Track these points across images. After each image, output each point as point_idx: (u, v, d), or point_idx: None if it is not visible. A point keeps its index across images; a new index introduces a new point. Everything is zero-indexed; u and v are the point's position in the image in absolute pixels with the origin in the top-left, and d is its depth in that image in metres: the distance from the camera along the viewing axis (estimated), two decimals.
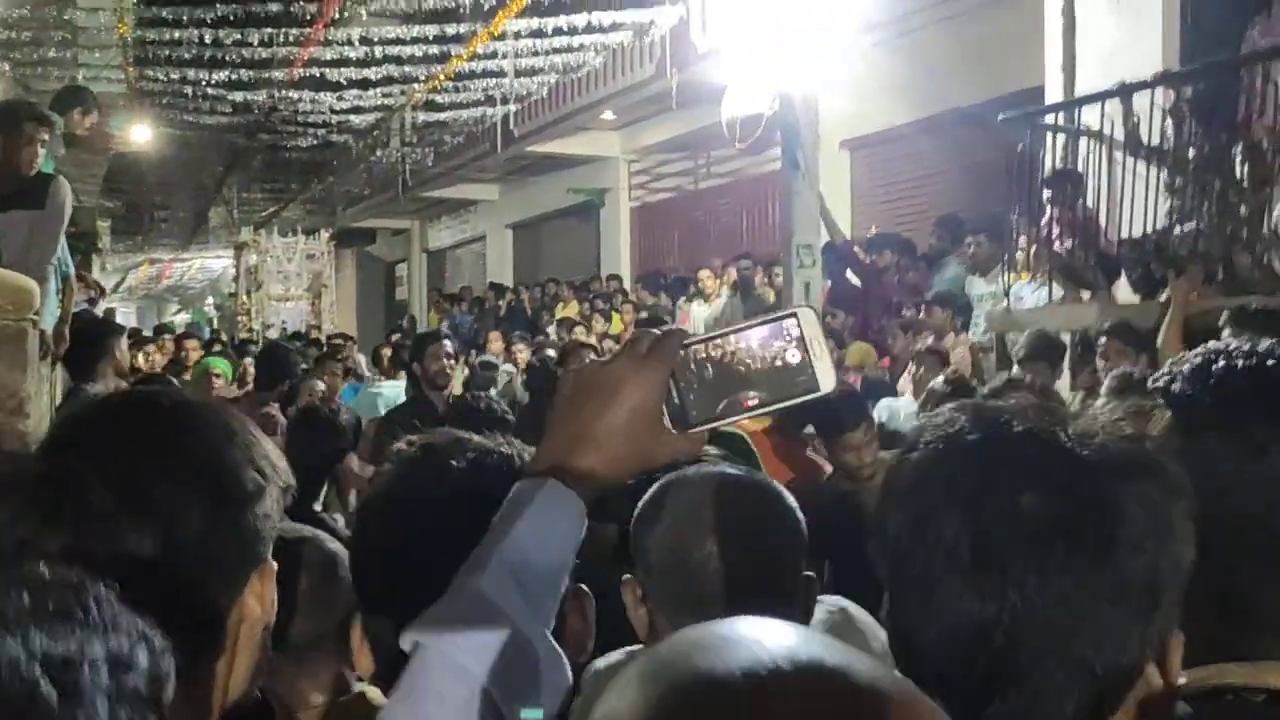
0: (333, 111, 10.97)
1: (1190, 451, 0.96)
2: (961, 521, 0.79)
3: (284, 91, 10.30)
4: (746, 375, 0.94)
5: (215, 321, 24.07)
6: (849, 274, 8.88)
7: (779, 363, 0.94)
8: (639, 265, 15.04)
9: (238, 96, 10.05)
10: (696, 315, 10.86)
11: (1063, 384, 5.54)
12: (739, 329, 0.96)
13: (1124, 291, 5.79)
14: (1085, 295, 5.81)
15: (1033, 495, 0.77)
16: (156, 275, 28.69)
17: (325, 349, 11.08)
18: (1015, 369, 5.45)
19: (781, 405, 0.96)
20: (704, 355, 0.95)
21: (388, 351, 10.01)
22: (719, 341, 0.95)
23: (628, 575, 1.34)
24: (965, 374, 7.06)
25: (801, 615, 1.35)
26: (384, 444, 4.86)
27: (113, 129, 5.62)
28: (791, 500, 1.37)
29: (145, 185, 15.83)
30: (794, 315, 0.95)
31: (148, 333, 18.46)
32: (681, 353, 0.95)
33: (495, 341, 11.43)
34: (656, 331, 0.97)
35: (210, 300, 27.51)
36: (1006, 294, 6.46)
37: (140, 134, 9.85)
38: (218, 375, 6.34)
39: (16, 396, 3.87)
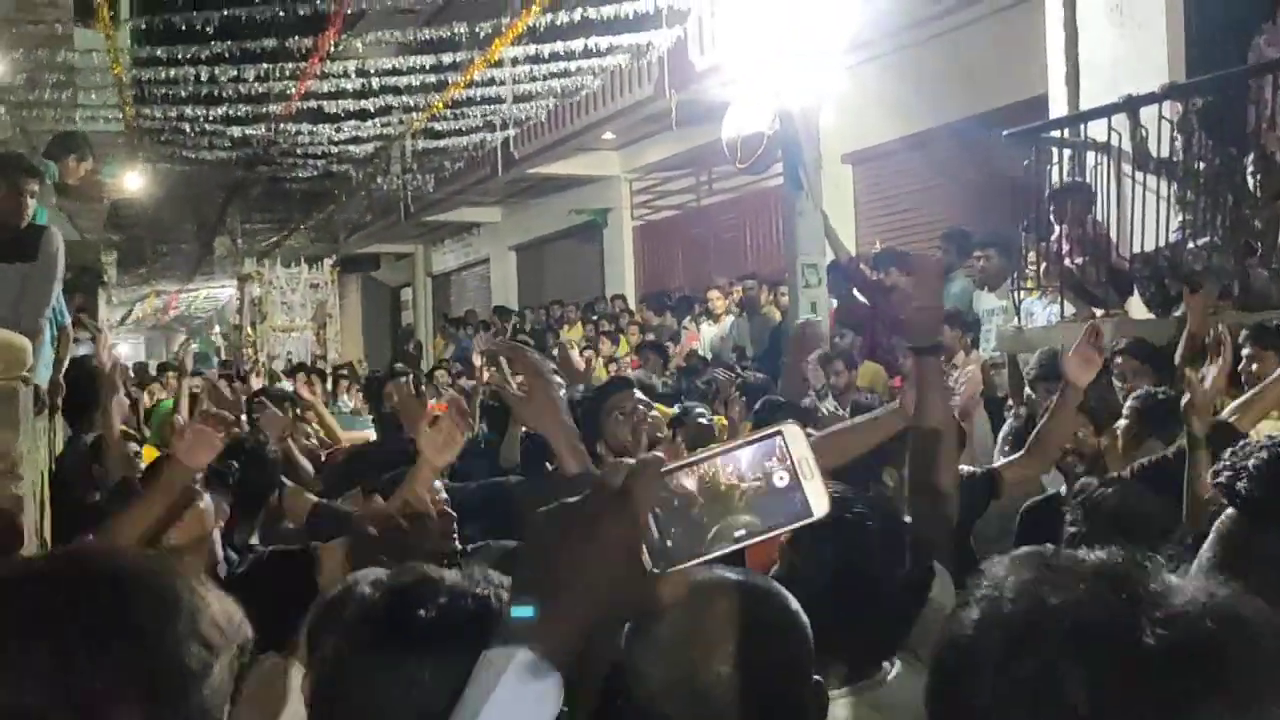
0: (331, 142, 10.93)
1: (1254, 545, 0.97)
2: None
3: (282, 125, 10.26)
4: (733, 502, 0.87)
5: (223, 350, 24.06)
6: (855, 292, 8.77)
7: (767, 486, 0.87)
8: (643, 284, 14.96)
9: (236, 131, 10.02)
10: (705, 335, 10.79)
11: None
12: (721, 451, 0.89)
13: (1137, 308, 5.68)
14: (1098, 312, 5.70)
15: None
16: (163, 306, 28.74)
17: (329, 380, 11.05)
18: (1027, 390, 5.35)
19: (773, 534, 0.88)
20: (685, 483, 0.87)
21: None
22: (700, 466, 0.88)
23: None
24: (976, 393, 6.99)
25: None
26: (349, 478, 4.75)
27: (105, 177, 5.53)
28: (793, 602, 1.28)
29: (148, 219, 15.81)
30: (779, 434, 0.88)
31: (155, 364, 18.50)
32: (660, 482, 0.87)
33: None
34: (630, 462, 0.88)
35: (218, 329, 27.51)
36: (1017, 311, 6.35)
37: (133, 181, 9.81)
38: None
39: (8, 458, 3.78)
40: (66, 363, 5.69)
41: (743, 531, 0.86)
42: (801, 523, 0.87)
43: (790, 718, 1.23)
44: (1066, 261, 5.75)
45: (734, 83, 8.96)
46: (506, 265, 18.52)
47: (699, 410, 5.29)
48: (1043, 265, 6.03)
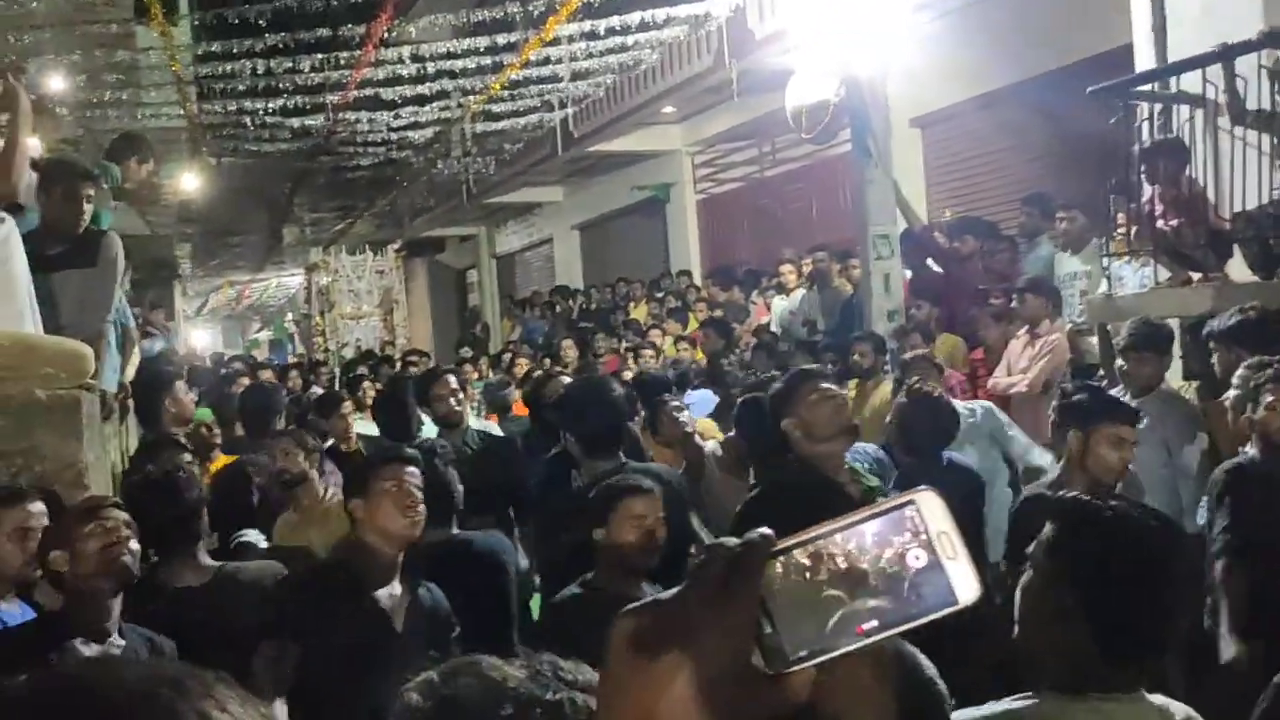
0: (390, 129, 10.88)
1: None
2: None
3: (341, 114, 10.24)
4: (858, 586, 0.71)
5: (296, 337, 24.42)
6: (929, 262, 8.47)
7: (899, 568, 0.71)
8: (708, 259, 14.73)
9: (295, 123, 10.00)
10: (776, 308, 10.56)
11: (1172, 373, 5.12)
12: (842, 526, 0.73)
13: (1238, 270, 5.33)
14: (1195, 276, 5.36)
15: None
16: (237, 296, 29.29)
17: (398, 365, 11.03)
18: (1118, 360, 5.05)
19: (907, 627, 0.71)
20: (798, 565, 0.72)
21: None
22: (820, 543, 0.72)
23: None
24: (1062, 364, 6.68)
25: None
26: None
27: (164, 178, 5.49)
28: (930, 669, 1.10)
29: (217, 212, 16.02)
30: (912, 503, 0.72)
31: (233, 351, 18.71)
32: (773, 565, 0.71)
33: (570, 349, 11.24)
34: (733, 542, 0.71)
35: (290, 316, 27.94)
36: (1106, 276, 6.03)
37: (190, 182, 9.85)
38: (211, 424, 6.11)
39: (74, 467, 3.75)
40: (134, 364, 5.69)
41: (873, 623, 0.71)
42: (944, 612, 0.71)
43: None
44: (1160, 223, 5.42)
45: (796, 50, 8.68)
46: (570, 244, 18.42)
47: (673, 404, 4.98)
48: (1133, 228, 5.70)
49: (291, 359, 17.85)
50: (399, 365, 11.09)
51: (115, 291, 4.82)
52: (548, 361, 10.26)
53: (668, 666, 0.68)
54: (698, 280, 13.47)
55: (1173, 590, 1.58)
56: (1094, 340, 6.29)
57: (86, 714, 0.73)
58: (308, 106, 9.58)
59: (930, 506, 0.72)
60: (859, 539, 0.72)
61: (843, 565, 0.71)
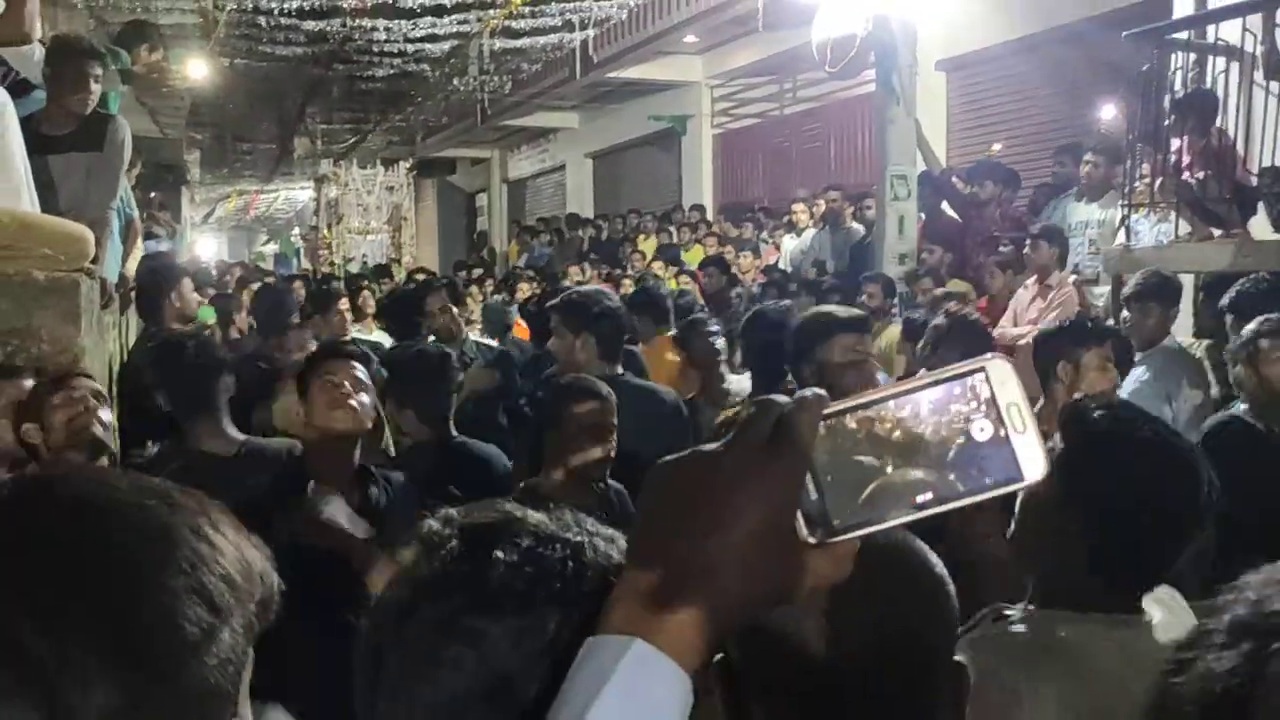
0: (407, 40, 10.67)
1: None
2: None
3: (358, 20, 10.03)
4: (915, 456, 0.66)
5: (302, 252, 24.31)
6: (945, 206, 8.36)
7: (961, 439, 0.66)
8: (722, 194, 14.60)
9: (311, 25, 9.81)
10: (786, 247, 10.46)
11: (1183, 326, 5.04)
12: (902, 390, 0.67)
13: (1260, 228, 5.24)
14: (1216, 232, 5.27)
15: None
16: (244, 206, 29.09)
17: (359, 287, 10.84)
18: (1124, 311, 4.97)
19: (966, 501, 0.66)
20: (852, 429, 0.67)
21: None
22: (875, 409, 0.67)
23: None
24: (1073, 314, 6.60)
25: (952, 715, 1.04)
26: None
27: (171, 62, 5.35)
28: (939, 566, 1.05)
29: (229, 117, 15.81)
30: (981, 370, 0.67)
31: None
32: (822, 428, 0.66)
33: (576, 275, 11.18)
34: (784, 400, 0.66)
35: (296, 230, 27.77)
36: (1125, 229, 5.94)
37: (198, 70, 9.63)
38: (211, 325, 6.06)
39: (70, 351, 3.70)
40: (138, 256, 5.63)
41: (928, 495, 0.66)
42: (1007, 489, 0.66)
43: (922, 699, 1.03)
44: (1185, 175, 5.32)
45: None
46: (583, 172, 18.24)
47: (711, 325, 4.90)
48: (1158, 180, 5.59)
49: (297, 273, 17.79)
50: (405, 281, 11.02)
51: (120, 178, 4.74)
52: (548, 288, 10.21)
53: (707, 521, 0.64)
54: (710, 216, 13.35)
55: (1160, 522, 1.53)
56: (1099, 291, 6.21)
57: (72, 518, 0.69)
58: (325, 8, 9.38)
59: (1001, 375, 0.67)
60: (920, 406, 0.67)
61: (899, 433, 0.66)
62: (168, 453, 3.06)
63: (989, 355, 0.68)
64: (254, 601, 0.73)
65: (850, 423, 0.67)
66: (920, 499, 0.66)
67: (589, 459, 2.82)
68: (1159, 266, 4.87)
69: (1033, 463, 0.65)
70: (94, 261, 4.09)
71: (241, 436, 3.27)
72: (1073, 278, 6.47)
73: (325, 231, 16.65)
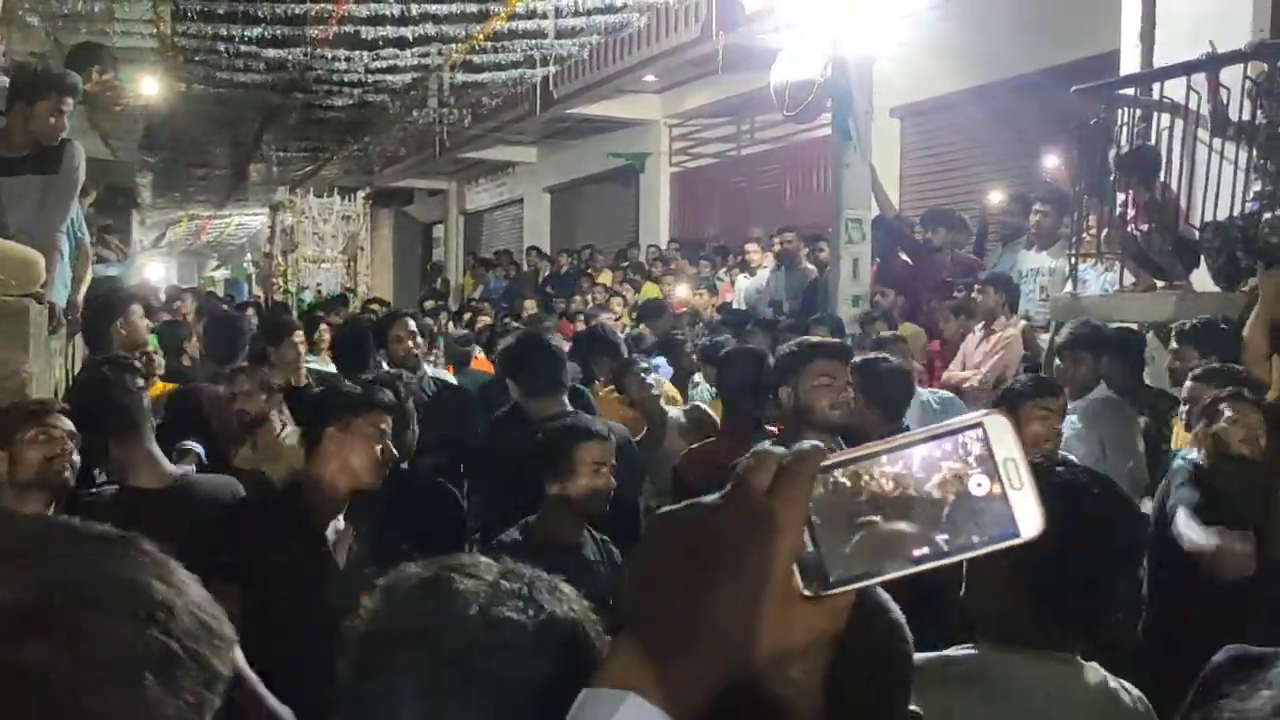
0: (368, 71, 10.66)
1: None
2: None
3: (319, 50, 10.01)
4: (912, 511, 0.66)
5: (255, 279, 24.02)
6: (899, 251, 8.49)
7: (958, 494, 0.66)
8: (678, 232, 14.70)
9: (271, 54, 9.77)
10: (740, 287, 10.54)
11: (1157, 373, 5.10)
12: (900, 444, 0.68)
13: (1202, 281, 5.38)
14: (1159, 284, 5.41)
15: None
16: (196, 231, 28.72)
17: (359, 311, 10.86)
18: (1056, 359, 5.08)
19: (962, 557, 0.67)
20: (849, 482, 0.67)
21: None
22: (872, 462, 0.67)
23: None
24: (1017, 360, 6.72)
25: None
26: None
27: (121, 81, 5.28)
28: (894, 611, 1.07)
29: (183, 141, 15.63)
30: (979, 426, 0.67)
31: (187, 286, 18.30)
32: (819, 481, 0.67)
33: (531, 309, 11.19)
34: (781, 451, 0.67)
35: (249, 257, 27.46)
36: (1072, 278, 6.07)
37: (150, 87, 9.49)
38: (155, 352, 5.96)
39: (18, 376, 3.65)
40: (88, 282, 5.54)
41: (924, 550, 0.66)
42: (1003, 544, 0.66)
43: None
44: (1130, 228, 5.46)
45: (785, 28, 8.63)
46: (540, 206, 18.27)
47: (640, 366, 5.01)
48: (1104, 231, 5.73)
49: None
50: (360, 311, 10.95)
51: (73, 202, 4.68)
52: (508, 320, 10.19)
53: (705, 575, 0.64)
54: (665, 252, 13.42)
55: (1111, 559, 1.59)
56: (1047, 337, 6.33)
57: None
58: (286, 38, 9.35)
59: (998, 430, 0.67)
60: (917, 460, 0.67)
61: (896, 487, 0.67)
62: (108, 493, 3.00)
63: (987, 410, 0.69)
64: (223, 643, 0.72)
65: (847, 476, 0.67)
66: (917, 553, 0.66)
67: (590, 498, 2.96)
68: (1104, 316, 4.99)
69: (1030, 519, 0.66)
70: (43, 286, 4.04)
71: (174, 471, 3.23)
72: (1022, 324, 6.59)
73: (279, 259, 16.47)
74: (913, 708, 1.06)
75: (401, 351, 5.03)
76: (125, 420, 3.07)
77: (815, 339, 3.73)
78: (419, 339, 5.22)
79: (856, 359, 3.89)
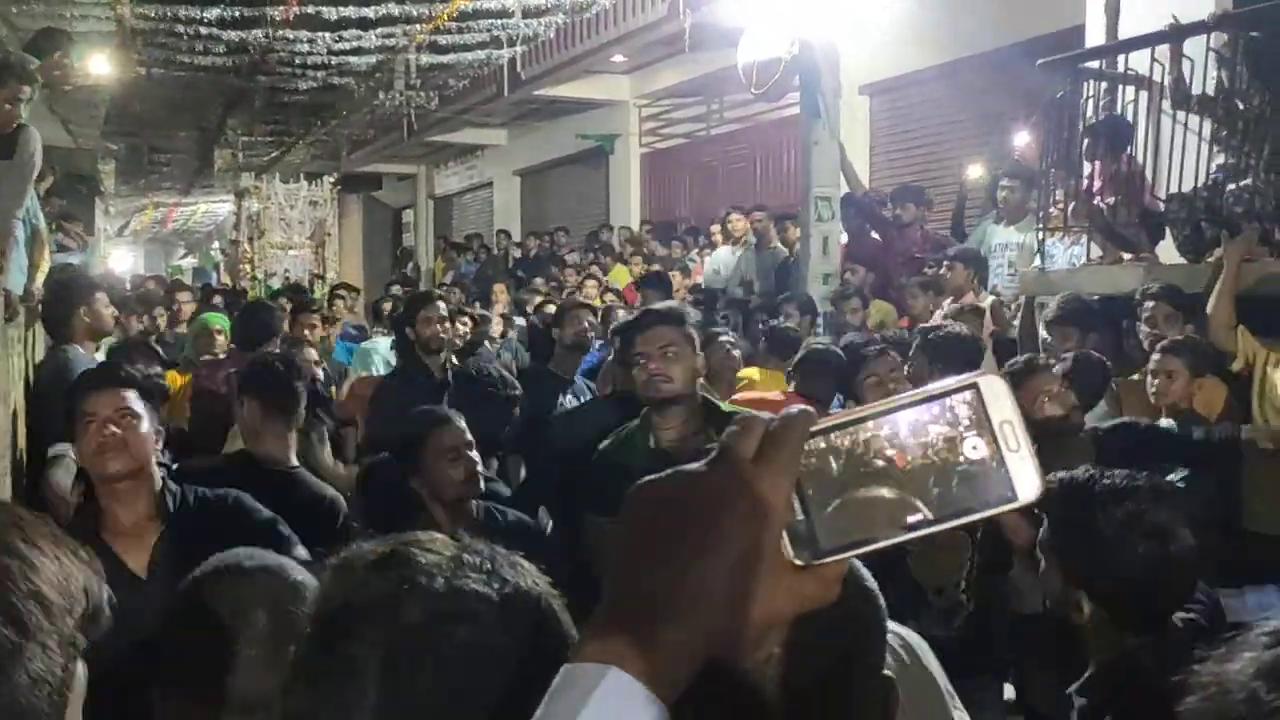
0: (331, 52, 10.52)
1: None
2: None
3: (280, 31, 9.86)
4: (904, 476, 0.64)
5: (222, 267, 23.79)
6: (868, 228, 8.50)
7: (953, 457, 0.64)
8: (649, 213, 14.68)
9: (232, 36, 9.62)
10: (709, 267, 10.51)
11: None
12: (892, 407, 0.65)
13: (1168, 253, 5.42)
14: (1126, 256, 5.44)
15: None
16: (161, 219, 28.38)
17: (306, 300, 10.74)
18: (1043, 333, 5.13)
19: (958, 522, 0.64)
20: (841, 446, 0.64)
21: (389, 305, 9.66)
22: (863, 426, 0.64)
23: None
24: (986, 335, 6.75)
25: None
26: (378, 415, 4.52)
27: (72, 60, 5.18)
28: (868, 579, 1.05)
29: (146, 126, 15.41)
30: (974, 387, 0.64)
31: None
32: (809, 446, 0.64)
33: (502, 293, 11.13)
34: (768, 416, 0.64)
35: (216, 244, 27.19)
36: (1040, 253, 6.10)
37: (102, 67, 9.28)
38: (219, 331, 5.96)
39: None
40: (45, 269, 5.44)
41: (918, 516, 0.63)
42: (1001, 509, 0.64)
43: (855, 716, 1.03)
44: (1096, 200, 5.48)
45: (752, 5, 8.58)
46: (510, 190, 18.18)
47: (727, 337, 4.95)
48: (1071, 204, 5.75)
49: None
50: (328, 298, 10.85)
51: (29, 188, 4.59)
52: (478, 305, 10.13)
53: (692, 546, 0.61)
54: (636, 234, 13.39)
55: None
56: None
57: None
58: (246, 19, 9.21)
59: (994, 392, 0.64)
60: (910, 423, 0.64)
61: (890, 451, 0.64)
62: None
63: (980, 371, 0.66)
64: (73, 617, 0.70)
65: (839, 440, 0.64)
66: (911, 519, 0.63)
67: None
68: (1072, 288, 5.01)
69: (1027, 483, 0.63)
70: None
71: None
72: (990, 299, 6.62)
73: (246, 246, 16.31)
74: (886, 673, 1.05)
75: (428, 333, 4.93)
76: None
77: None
78: (447, 322, 5.14)
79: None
